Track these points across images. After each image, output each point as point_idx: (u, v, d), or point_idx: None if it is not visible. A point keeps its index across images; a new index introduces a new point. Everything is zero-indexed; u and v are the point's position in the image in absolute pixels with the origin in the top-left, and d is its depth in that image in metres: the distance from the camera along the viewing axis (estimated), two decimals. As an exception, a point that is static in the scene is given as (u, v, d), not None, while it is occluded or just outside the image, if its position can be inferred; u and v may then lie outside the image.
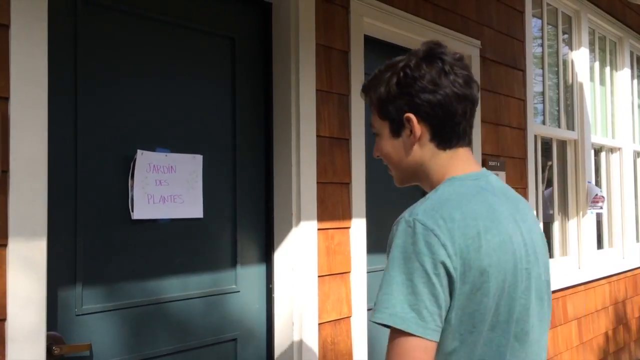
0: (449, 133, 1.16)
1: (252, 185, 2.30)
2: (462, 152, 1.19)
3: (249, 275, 2.27)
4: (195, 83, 2.13)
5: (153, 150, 1.96)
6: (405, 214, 1.10)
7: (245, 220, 2.25)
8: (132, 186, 1.88)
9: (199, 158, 2.05)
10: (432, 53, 1.16)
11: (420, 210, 1.08)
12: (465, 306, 1.04)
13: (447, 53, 1.17)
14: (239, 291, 2.20)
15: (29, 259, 1.56)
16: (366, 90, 1.24)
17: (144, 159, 1.91)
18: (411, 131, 1.16)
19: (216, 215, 2.14)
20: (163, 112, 2.03)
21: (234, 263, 2.20)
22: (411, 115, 1.14)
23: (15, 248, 1.54)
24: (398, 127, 1.17)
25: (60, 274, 1.74)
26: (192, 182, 2.03)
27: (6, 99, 1.55)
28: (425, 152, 1.17)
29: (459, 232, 1.04)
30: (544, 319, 1.18)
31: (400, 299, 1.01)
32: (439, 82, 1.13)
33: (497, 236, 1.08)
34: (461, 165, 1.18)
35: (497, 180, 1.21)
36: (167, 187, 1.97)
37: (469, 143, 1.21)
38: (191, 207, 2.04)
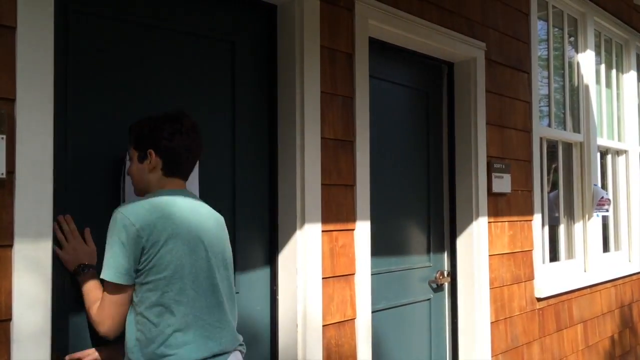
0: (173, 168, 1.75)
1: (256, 187, 2.30)
2: (177, 180, 1.77)
3: (249, 277, 2.27)
4: (196, 86, 2.14)
5: None
6: (117, 209, 1.65)
7: (247, 222, 2.26)
8: (123, 188, 1.90)
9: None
10: (176, 117, 1.75)
11: (124, 206, 1.65)
12: (155, 264, 1.60)
13: (186, 122, 1.76)
14: (237, 292, 2.20)
15: (35, 260, 1.57)
16: (132, 128, 1.77)
17: None
18: (150, 161, 1.73)
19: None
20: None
21: (234, 266, 2.19)
22: (152, 151, 1.72)
23: (20, 249, 1.55)
24: (143, 157, 1.73)
25: (66, 275, 1.75)
26: (187, 184, 2.03)
27: (12, 100, 1.57)
28: (155, 175, 1.74)
29: (148, 217, 1.61)
30: (224, 280, 1.76)
31: (113, 263, 1.59)
32: (174, 136, 1.72)
33: (176, 220, 1.65)
34: (171, 187, 1.75)
35: (189, 199, 1.75)
36: None
37: (185, 177, 1.80)
38: None
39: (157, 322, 1.59)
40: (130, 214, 1.61)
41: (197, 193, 2.01)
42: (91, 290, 1.68)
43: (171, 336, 1.59)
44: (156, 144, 1.72)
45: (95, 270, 1.72)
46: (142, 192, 1.78)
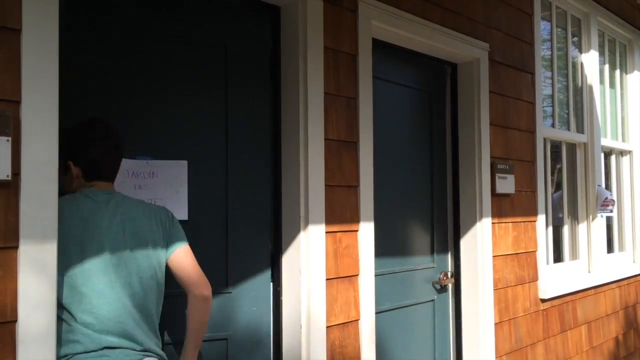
0: (92, 175, 1.82)
1: (257, 188, 2.30)
2: (100, 183, 1.83)
3: (253, 278, 2.27)
4: (195, 89, 2.15)
5: (133, 158, 2.00)
6: None
7: (243, 223, 2.26)
8: None
9: (183, 163, 2.08)
10: (88, 126, 1.82)
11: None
12: (65, 252, 1.67)
13: (100, 128, 1.82)
14: (230, 292, 2.20)
15: (40, 261, 1.58)
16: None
17: (122, 166, 1.94)
18: (71, 172, 1.82)
19: (205, 219, 2.13)
20: (160, 119, 2.04)
21: (224, 266, 2.20)
22: (70, 163, 1.82)
23: (26, 250, 1.56)
24: (66, 168, 1.83)
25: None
26: (176, 187, 2.05)
27: (17, 102, 1.57)
28: (79, 182, 1.83)
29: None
30: (134, 284, 1.76)
31: None
32: (88, 149, 1.81)
33: (76, 220, 1.71)
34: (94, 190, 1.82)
35: (114, 198, 1.80)
36: (147, 190, 2.02)
37: (111, 179, 1.86)
38: (175, 209, 2.05)
39: (66, 320, 1.66)
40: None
41: (185, 197, 2.01)
42: None
43: (77, 332, 1.65)
44: (73, 156, 1.82)
45: None
46: None
